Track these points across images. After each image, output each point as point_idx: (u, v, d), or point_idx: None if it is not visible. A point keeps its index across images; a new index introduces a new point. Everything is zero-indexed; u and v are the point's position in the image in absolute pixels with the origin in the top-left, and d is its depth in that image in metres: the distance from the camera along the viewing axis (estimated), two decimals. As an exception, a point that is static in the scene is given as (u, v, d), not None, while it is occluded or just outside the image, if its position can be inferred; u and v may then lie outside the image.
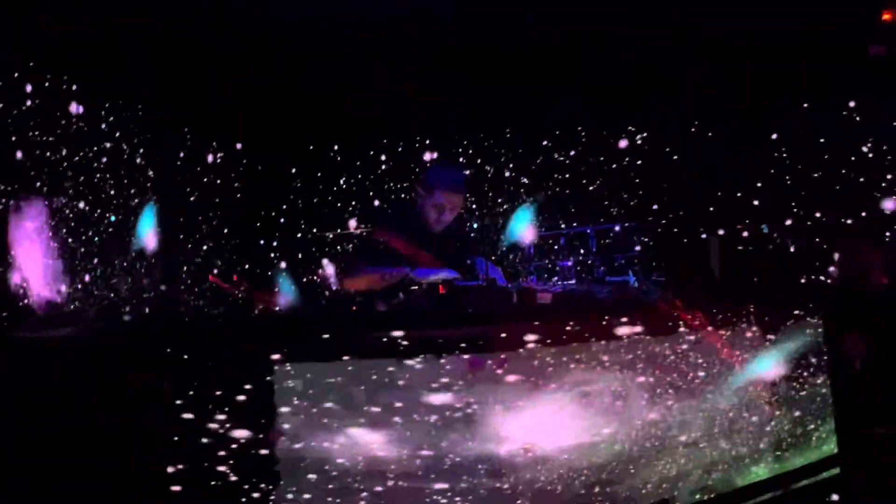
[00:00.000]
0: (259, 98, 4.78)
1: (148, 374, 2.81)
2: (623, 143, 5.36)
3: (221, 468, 2.67)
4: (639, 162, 5.30)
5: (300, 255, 5.32)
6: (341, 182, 5.75)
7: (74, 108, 3.84)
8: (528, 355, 2.72)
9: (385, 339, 2.70)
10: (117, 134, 4.15)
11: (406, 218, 3.73)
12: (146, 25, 3.94)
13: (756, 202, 4.93)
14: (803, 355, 3.42)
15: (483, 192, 5.72)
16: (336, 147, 5.69)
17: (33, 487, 2.85)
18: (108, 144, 4.02)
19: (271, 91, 4.76)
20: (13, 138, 3.46)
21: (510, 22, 4.51)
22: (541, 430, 2.72)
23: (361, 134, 5.42)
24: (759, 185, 4.89)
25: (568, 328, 2.80)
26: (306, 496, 2.71)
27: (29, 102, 3.58)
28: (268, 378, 2.68)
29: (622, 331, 2.90)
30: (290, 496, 2.71)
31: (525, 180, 5.70)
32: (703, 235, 4.15)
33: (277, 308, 3.50)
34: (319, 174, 5.68)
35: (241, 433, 2.68)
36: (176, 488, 2.69)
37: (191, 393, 2.70)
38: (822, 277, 4.44)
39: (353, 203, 5.66)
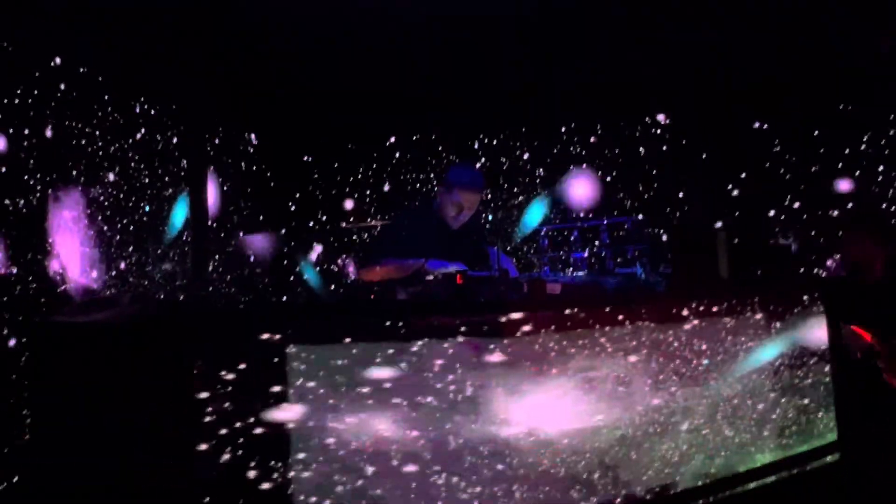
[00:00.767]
0: (286, 94, 4.88)
1: (177, 357, 2.97)
2: (634, 140, 5.45)
3: (233, 446, 2.75)
4: (646, 155, 5.39)
5: (323, 246, 5.44)
6: (359, 175, 5.86)
7: (110, 101, 3.92)
8: (534, 341, 2.74)
9: (397, 325, 2.75)
10: (150, 126, 4.25)
11: (425, 212, 3.87)
12: (179, 19, 4.00)
13: (761, 197, 5.01)
14: (806, 345, 3.48)
15: (498, 184, 5.78)
16: (354, 142, 5.80)
17: (71, 464, 3.03)
18: (142, 136, 4.13)
19: (297, 88, 4.84)
20: (51, 131, 3.53)
21: (523, 11, 4.53)
22: (545, 414, 2.73)
23: (380, 128, 5.51)
24: (764, 179, 4.97)
25: (574, 316, 2.82)
26: (313, 474, 2.75)
27: (65, 95, 3.65)
28: (279, 360, 2.76)
29: (627, 319, 2.92)
30: (297, 474, 2.75)
31: (540, 172, 5.76)
32: (713, 228, 4.22)
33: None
34: (340, 167, 5.80)
35: (253, 413, 2.76)
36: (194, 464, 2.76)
37: (210, 374, 2.78)
38: (819, 270, 4.51)
39: (372, 196, 5.77)
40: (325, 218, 5.58)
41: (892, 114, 4.71)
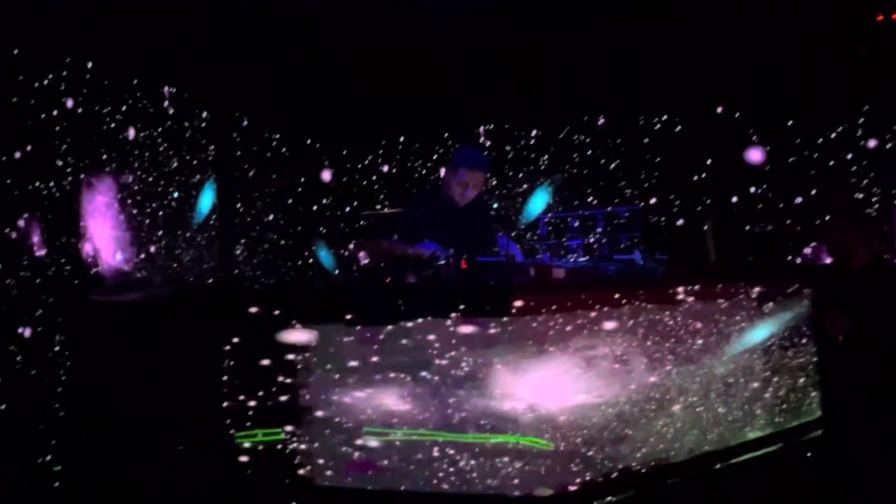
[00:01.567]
0: (309, 88, 4.99)
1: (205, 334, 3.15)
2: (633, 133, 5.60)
3: (245, 420, 2.97)
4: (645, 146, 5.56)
5: (339, 232, 5.56)
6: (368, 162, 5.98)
7: (141, 91, 4.03)
8: (536, 321, 2.79)
9: (405, 305, 2.87)
10: (180, 115, 4.36)
11: (433, 199, 4.02)
12: (207, 14, 4.10)
13: (749, 188, 5.18)
14: (792, 327, 3.63)
15: (503, 173, 5.90)
16: (365, 129, 5.86)
17: (109, 436, 3.20)
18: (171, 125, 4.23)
19: (319, 80, 4.94)
20: (84, 120, 3.64)
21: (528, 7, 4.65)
22: (545, 391, 2.77)
23: (391, 118, 5.64)
24: (751, 171, 5.13)
25: (575, 297, 2.92)
26: (321, 446, 2.90)
27: (97, 85, 3.76)
28: (289, 338, 2.92)
29: (625, 300, 3.03)
30: (304, 446, 2.91)
31: (543, 161, 5.88)
32: (701, 219, 4.37)
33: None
34: (355, 156, 5.93)
35: (265, 387, 2.96)
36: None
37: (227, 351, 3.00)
38: (797, 259, 4.67)
39: (384, 184, 5.88)
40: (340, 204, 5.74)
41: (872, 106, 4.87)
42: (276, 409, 2.96)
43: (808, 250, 4.51)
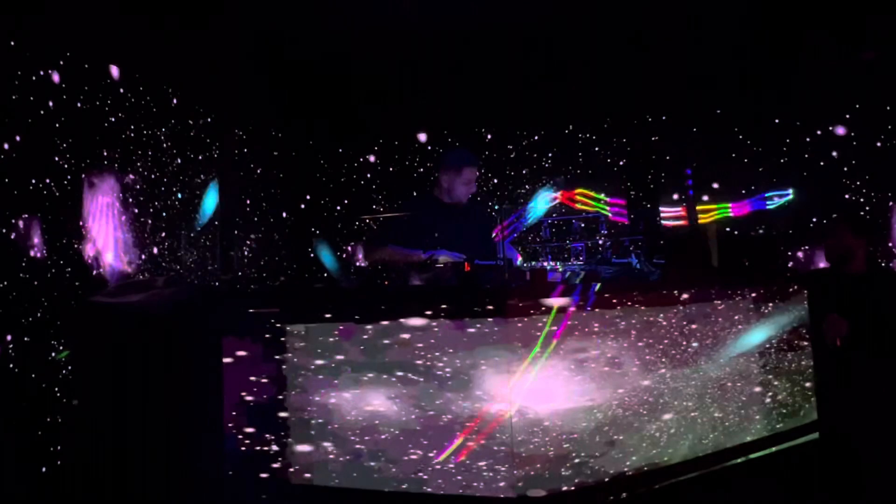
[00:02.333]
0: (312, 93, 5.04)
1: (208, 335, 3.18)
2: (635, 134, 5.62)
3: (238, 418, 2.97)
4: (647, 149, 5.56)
5: (341, 235, 5.64)
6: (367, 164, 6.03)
7: (143, 90, 4.02)
8: (529, 322, 2.79)
9: (398, 306, 2.88)
10: (182, 115, 4.36)
11: (431, 201, 4.12)
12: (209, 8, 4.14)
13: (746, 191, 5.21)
14: (789, 331, 3.64)
15: (505, 175, 5.93)
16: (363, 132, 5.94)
17: (107, 438, 3.21)
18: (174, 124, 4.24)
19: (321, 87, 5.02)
20: (87, 119, 3.62)
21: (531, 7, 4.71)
22: (536, 394, 2.75)
23: (393, 124, 5.69)
24: (749, 175, 5.16)
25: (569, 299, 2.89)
26: (309, 447, 2.92)
27: (99, 83, 3.74)
28: (282, 338, 2.96)
29: (619, 302, 3.03)
30: (295, 447, 2.93)
31: (545, 164, 5.91)
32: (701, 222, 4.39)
33: None
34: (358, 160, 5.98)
35: (255, 388, 2.98)
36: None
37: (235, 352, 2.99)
38: (790, 262, 4.68)
39: (386, 188, 5.96)
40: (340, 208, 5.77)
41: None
42: (264, 409, 2.99)
43: (800, 254, 4.53)
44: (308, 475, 2.95)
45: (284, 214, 5.26)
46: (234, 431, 3.05)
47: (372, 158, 5.93)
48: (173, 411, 3.12)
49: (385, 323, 2.88)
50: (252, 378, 3.03)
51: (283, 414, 2.99)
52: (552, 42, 4.98)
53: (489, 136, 5.98)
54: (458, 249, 3.63)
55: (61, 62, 3.46)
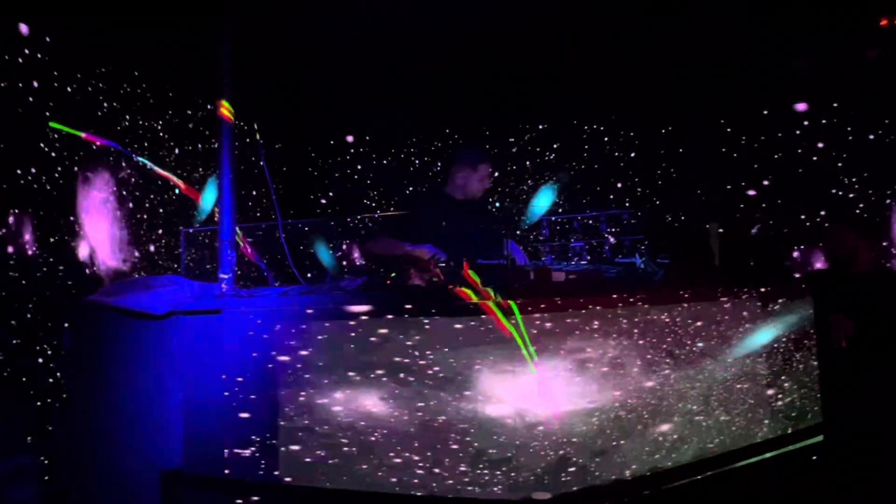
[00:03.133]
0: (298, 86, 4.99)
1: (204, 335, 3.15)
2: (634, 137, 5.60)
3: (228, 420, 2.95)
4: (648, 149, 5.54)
5: (343, 234, 5.59)
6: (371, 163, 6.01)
7: (139, 84, 4.00)
8: (529, 322, 2.74)
9: (394, 305, 2.84)
10: (180, 109, 4.34)
11: (441, 198, 4.11)
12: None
13: (752, 192, 5.17)
14: (794, 332, 3.59)
15: (508, 172, 5.93)
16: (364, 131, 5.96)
17: (103, 435, 3.24)
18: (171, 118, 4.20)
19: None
20: (82, 114, 3.61)
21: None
22: (535, 396, 2.70)
23: (398, 123, 5.67)
24: (755, 175, 5.12)
25: (571, 299, 2.88)
26: (299, 448, 2.88)
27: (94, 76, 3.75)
28: (272, 338, 2.93)
29: (623, 302, 3.00)
30: (284, 448, 2.89)
31: (549, 161, 5.90)
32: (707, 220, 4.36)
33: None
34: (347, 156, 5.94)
35: (246, 388, 2.96)
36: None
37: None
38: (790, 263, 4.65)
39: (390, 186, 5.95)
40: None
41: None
42: (255, 408, 2.97)
43: (797, 254, 4.52)
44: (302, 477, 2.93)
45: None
46: (232, 431, 3.02)
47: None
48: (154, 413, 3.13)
49: (374, 321, 2.84)
50: (239, 379, 3.01)
51: (274, 414, 2.96)
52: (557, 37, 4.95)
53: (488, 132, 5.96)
54: (468, 247, 3.58)
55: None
